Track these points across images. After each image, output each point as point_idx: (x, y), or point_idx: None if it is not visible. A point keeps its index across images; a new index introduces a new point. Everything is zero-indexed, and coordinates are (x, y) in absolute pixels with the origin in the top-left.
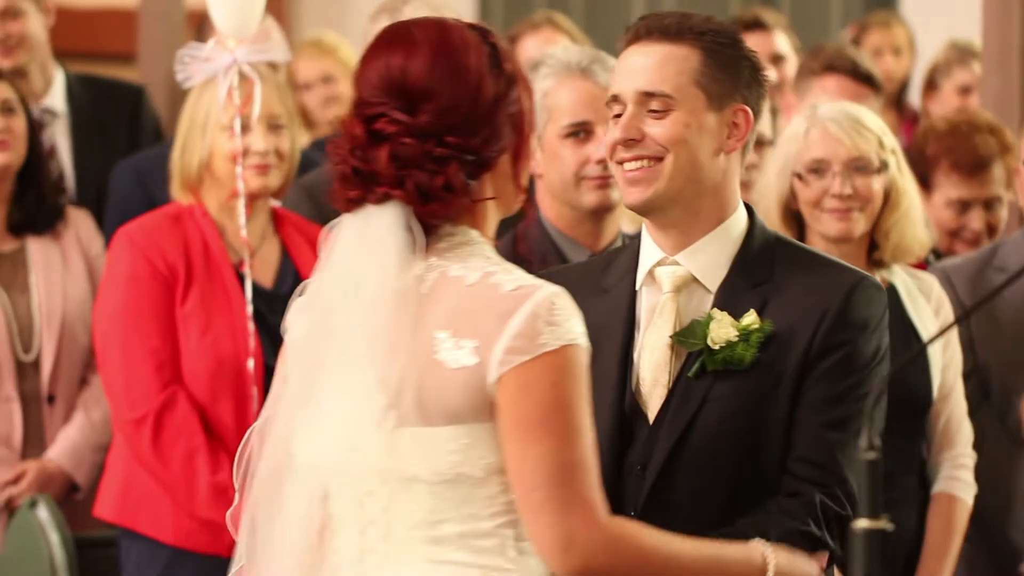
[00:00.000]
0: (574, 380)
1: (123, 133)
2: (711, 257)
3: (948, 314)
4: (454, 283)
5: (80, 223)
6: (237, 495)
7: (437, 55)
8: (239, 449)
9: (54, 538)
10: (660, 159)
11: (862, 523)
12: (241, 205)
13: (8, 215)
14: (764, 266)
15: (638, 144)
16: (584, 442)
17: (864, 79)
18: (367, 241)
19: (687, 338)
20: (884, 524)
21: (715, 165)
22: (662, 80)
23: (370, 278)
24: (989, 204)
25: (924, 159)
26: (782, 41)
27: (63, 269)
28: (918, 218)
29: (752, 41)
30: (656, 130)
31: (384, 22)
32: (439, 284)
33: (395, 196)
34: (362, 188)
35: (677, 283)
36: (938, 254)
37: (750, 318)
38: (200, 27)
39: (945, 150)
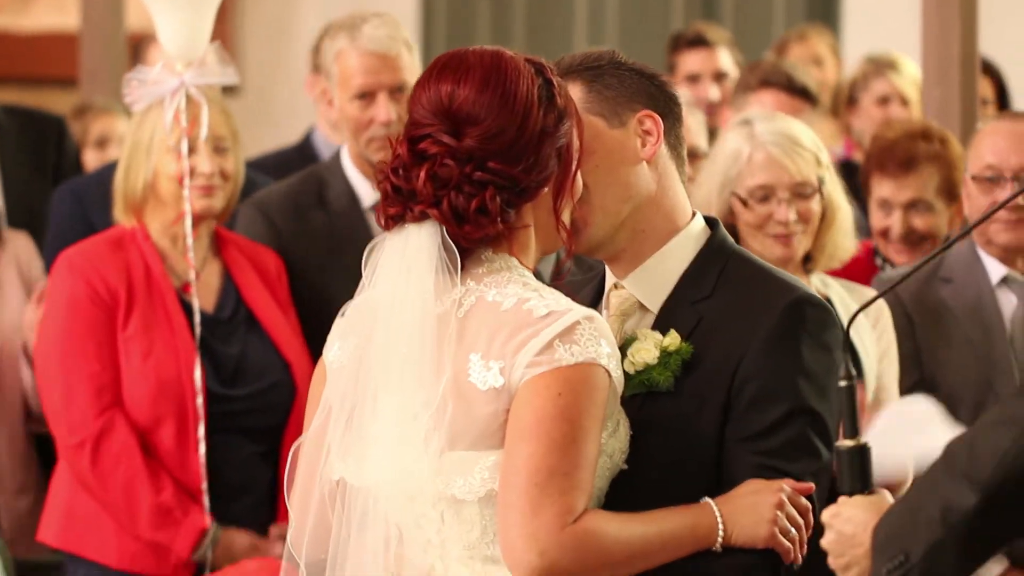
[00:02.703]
0: (583, 396)
1: (51, 160)
2: (656, 277)
3: (887, 325)
4: (491, 308)
5: (19, 245)
6: (291, 515)
7: (486, 81)
8: (287, 469)
9: None
10: (584, 202)
11: (845, 443)
12: (188, 227)
13: None
14: (707, 281)
15: None
16: (575, 453)
17: (799, 92)
18: (407, 260)
19: None
20: (863, 442)
21: (640, 177)
22: None
23: (410, 300)
24: (913, 206)
25: (864, 165)
26: (725, 58)
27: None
28: (849, 227)
29: (695, 58)
30: None
31: (342, 39)
32: (475, 308)
33: (431, 215)
34: (401, 206)
35: (623, 308)
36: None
37: (669, 339)
38: (137, 49)
39: (876, 152)
